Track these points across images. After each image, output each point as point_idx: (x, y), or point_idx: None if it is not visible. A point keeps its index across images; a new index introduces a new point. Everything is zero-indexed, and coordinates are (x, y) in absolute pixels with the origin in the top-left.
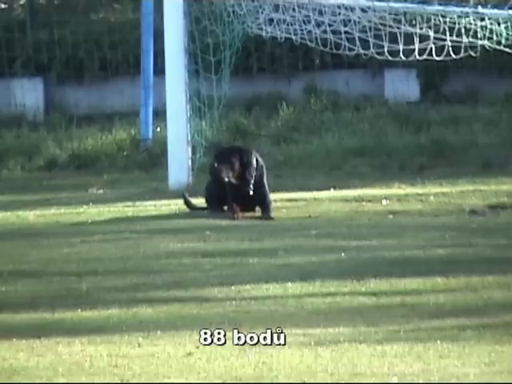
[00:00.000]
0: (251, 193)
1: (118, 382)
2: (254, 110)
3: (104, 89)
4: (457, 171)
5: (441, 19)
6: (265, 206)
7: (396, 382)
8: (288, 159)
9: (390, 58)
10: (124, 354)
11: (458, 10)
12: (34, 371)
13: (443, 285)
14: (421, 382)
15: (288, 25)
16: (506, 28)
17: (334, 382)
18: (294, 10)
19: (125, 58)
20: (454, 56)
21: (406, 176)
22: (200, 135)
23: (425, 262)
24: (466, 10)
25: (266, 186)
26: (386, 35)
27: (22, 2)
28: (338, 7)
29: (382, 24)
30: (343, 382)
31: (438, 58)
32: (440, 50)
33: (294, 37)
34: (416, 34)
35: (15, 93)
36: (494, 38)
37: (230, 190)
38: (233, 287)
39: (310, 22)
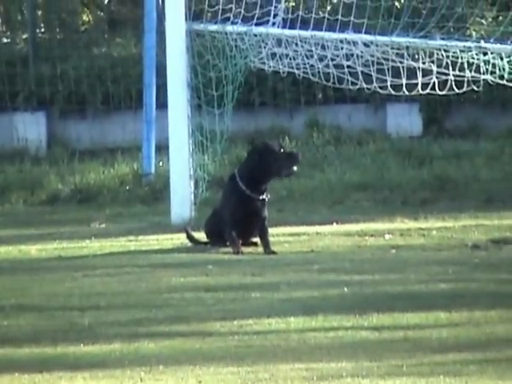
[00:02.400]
0: (266, 197)
1: None
2: None
3: (106, 123)
4: (459, 206)
5: (443, 54)
6: (266, 239)
7: None
8: (290, 193)
9: (392, 92)
10: None
11: (461, 44)
12: None
13: (446, 319)
14: None
15: (290, 59)
16: (509, 62)
17: None
18: (296, 44)
19: (127, 92)
20: (456, 90)
21: (409, 210)
22: (202, 169)
23: (427, 296)
24: (469, 44)
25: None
26: (388, 69)
27: (24, 37)
28: (341, 41)
29: (384, 58)
30: None
31: (440, 93)
32: (443, 84)
33: (296, 71)
34: (419, 68)
35: (17, 127)
36: (497, 72)
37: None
38: (235, 322)
39: (312, 56)
